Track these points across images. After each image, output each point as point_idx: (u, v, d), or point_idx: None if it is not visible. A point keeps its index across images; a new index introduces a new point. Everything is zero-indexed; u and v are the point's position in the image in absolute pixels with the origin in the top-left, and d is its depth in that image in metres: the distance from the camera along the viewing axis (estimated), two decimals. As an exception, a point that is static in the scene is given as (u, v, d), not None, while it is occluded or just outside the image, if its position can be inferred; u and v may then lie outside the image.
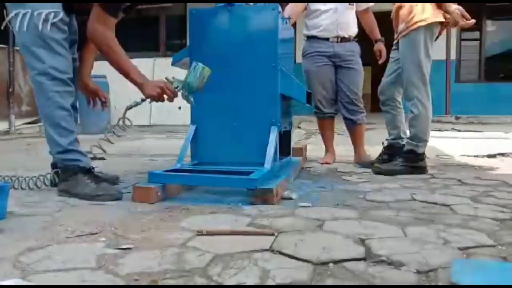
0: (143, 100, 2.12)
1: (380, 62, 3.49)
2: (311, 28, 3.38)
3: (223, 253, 1.27)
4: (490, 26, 10.00)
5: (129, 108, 2.14)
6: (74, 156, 2.16)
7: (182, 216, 1.73)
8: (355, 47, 3.39)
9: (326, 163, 3.38)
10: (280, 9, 2.42)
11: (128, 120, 2.21)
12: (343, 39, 3.33)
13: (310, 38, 3.40)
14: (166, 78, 2.13)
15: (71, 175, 2.14)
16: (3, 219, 1.67)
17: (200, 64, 2.07)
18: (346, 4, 3.32)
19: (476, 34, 9.95)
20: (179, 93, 2.13)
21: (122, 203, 1.98)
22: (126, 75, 2.10)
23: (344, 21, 3.31)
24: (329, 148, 3.53)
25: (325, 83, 3.38)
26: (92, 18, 2.06)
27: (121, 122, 2.20)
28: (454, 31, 9.39)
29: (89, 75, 2.37)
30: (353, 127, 3.45)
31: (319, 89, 3.38)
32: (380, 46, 3.45)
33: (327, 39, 3.33)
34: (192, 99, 2.13)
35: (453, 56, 9.38)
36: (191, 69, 2.08)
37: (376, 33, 3.47)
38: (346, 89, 3.37)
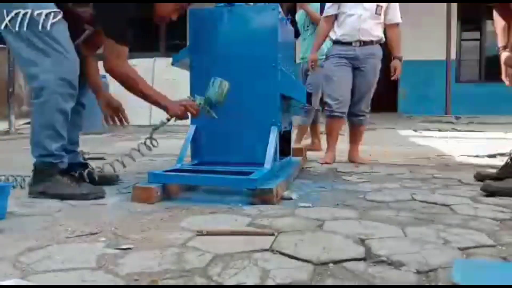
0: (168, 120, 2.17)
1: (393, 78, 3.49)
2: (336, 33, 3.42)
3: (223, 253, 1.27)
4: (490, 26, 10.00)
5: (155, 129, 2.17)
6: (55, 159, 2.08)
7: (182, 216, 1.73)
8: (376, 51, 3.39)
9: (326, 163, 3.37)
10: (280, 9, 2.42)
11: (155, 140, 2.20)
12: (365, 43, 3.34)
13: (335, 42, 3.45)
14: (188, 97, 2.20)
15: (49, 175, 2.06)
16: (3, 219, 1.67)
17: (219, 79, 2.10)
18: (372, 13, 3.31)
19: (476, 34, 9.96)
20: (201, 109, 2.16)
21: (122, 203, 1.97)
22: (151, 100, 2.17)
23: (366, 28, 3.32)
24: (330, 147, 3.52)
25: (341, 82, 3.37)
26: (107, 53, 2.08)
27: (148, 142, 2.19)
28: (454, 31, 9.40)
29: (102, 86, 2.37)
30: (353, 126, 3.55)
31: (333, 88, 3.38)
32: (396, 64, 3.42)
33: (350, 43, 3.36)
34: (214, 114, 2.15)
35: (453, 56, 9.39)
36: (210, 84, 2.12)
37: (398, 50, 3.44)
38: (356, 90, 3.41)
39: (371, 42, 3.35)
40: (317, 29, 3.59)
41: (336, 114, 3.39)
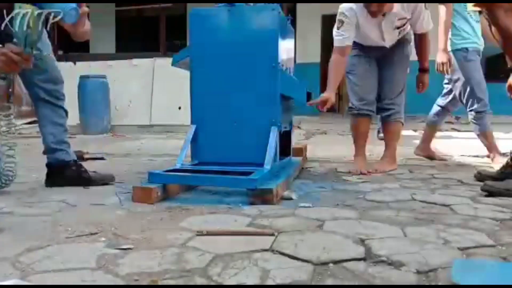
0: None
1: (418, 92, 3.10)
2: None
3: (223, 253, 1.27)
4: (490, 26, 9.99)
5: None
6: None
7: (182, 216, 1.73)
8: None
9: (362, 173, 2.83)
10: (280, 9, 2.42)
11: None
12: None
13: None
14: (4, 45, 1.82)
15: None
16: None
17: (21, 10, 1.73)
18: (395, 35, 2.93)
19: (476, 34, 9.94)
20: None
21: (122, 203, 1.97)
22: None
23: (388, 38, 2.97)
24: (357, 152, 3.12)
25: (362, 75, 3.01)
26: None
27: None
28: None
29: None
30: (383, 124, 3.20)
31: (355, 82, 3.05)
32: (423, 78, 3.06)
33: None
34: (38, 52, 1.83)
35: (453, 56, 9.37)
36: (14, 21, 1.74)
37: (422, 60, 3.04)
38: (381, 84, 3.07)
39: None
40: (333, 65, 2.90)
41: (357, 111, 3.05)
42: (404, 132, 6.01)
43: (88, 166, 3.16)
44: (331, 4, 9.87)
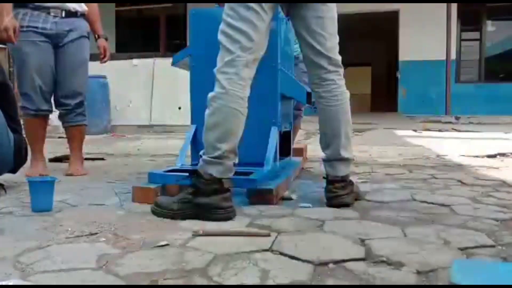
0: None
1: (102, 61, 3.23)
2: None
3: (223, 253, 1.27)
4: (490, 26, 10.01)
5: None
6: None
7: (182, 216, 1.73)
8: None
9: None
10: (280, 9, 2.41)
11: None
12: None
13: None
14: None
15: None
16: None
17: None
18: None
19: (476, 34, 9.96)
20: None
21: (122, 204, 1.97)
22: None
23: None
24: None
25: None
26: None
27: None
28: (454, 31, 9.41)
29: None
30: None
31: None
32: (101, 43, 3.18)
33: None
34: None
35: (453, 56, 9.39)
36: None
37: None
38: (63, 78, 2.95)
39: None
40: None
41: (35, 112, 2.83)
42: (403, 132, 6.03)
43: (89, 166, 3.17)
44: (331, 4, 9.88)
